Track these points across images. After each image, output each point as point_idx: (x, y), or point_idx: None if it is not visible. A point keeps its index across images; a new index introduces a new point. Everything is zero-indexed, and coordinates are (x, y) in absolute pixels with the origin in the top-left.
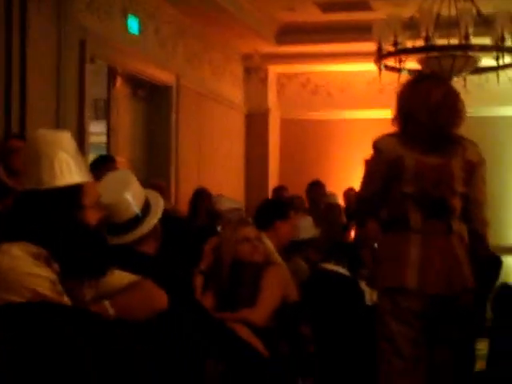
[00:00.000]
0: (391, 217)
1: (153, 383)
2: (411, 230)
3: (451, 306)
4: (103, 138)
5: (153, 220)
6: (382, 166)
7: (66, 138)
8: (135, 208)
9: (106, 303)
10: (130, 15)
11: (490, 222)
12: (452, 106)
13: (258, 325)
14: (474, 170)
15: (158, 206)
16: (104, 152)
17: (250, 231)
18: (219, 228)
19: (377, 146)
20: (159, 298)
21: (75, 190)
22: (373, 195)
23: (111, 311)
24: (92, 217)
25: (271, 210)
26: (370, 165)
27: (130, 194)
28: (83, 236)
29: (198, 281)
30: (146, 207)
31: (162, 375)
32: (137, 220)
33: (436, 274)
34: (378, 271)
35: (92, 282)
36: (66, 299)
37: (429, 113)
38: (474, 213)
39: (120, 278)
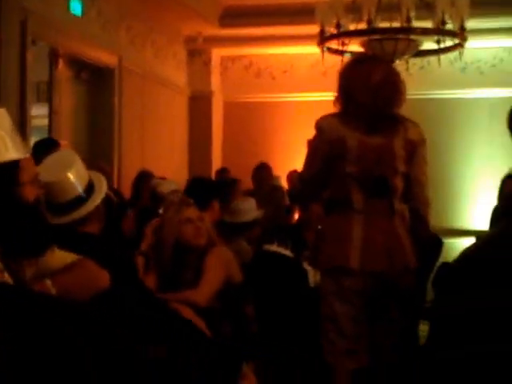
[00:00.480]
0: (334, 197)
1: (91, 364)
2: (354, 211)
3: (392, 285)
4: (45, 121)
5: (96, 201)
6: (324, 145)
7: (0, 115)
8: (78, 188)
9: (48, 282)
10: None
11: (432, 202)
12: (392, 86)
13: (201, 305)
14: (414, 150)
15: (102, 187)
16: (46, 135)
17: (192, 212)
18: (161, 210)
19: (319, 125)
20: (101, 278)
21: (12, 167)
22: (315, 175)
23: (53, 290)
24: (30, 193)
25: (206, 189)
26: (313, 145)
27: (74, 174)
28: (21, 213)
29: (140, 262)
30: (90, 188)
31: (101, 355)
32: (80, 200)
33: (378, 253)
34: (321, 251)
35: (32, 261)
36: (6, 276)
37: (369, 93)
38: (415, 193)
39: (61, 257)
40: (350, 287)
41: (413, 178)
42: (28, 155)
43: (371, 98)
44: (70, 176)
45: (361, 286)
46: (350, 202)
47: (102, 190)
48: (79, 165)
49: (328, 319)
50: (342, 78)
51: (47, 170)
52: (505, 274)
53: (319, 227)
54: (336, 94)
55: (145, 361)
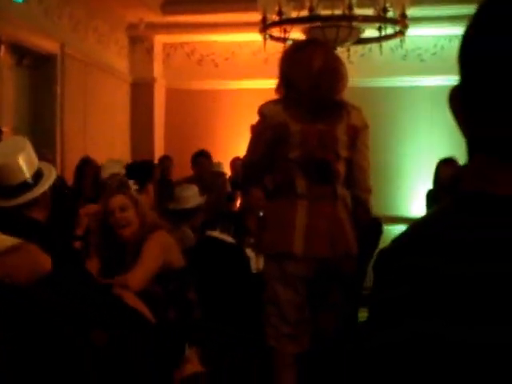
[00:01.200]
0: (277, 183)
1: (36, 347)
2: (297, 196)
3: (334, 271)
4: None
5: (43, 187)
6: (267, 131)
7: None
8: (26, 173)
9: None
10: None
11: (373, 189)
12: (333, 72)
13: (134, 289)
14: (357, 135)
15: (51, 175)
16: None
17: (115, 201)
18: None
19: (262, 111)
20: (43, 262)
21: None
22: (258, 161)
23: None
24: None
25: (141, 172)
26: (256, 130)
27: (23, 159)
28: None
29: (77, 245)
30: (38, 174)
31: (46, 340)
32: (27, 185)
33: (321, 238)
34: (266, 237)
35: None
36: None
37: (311, 80)
38: (357, 178)
39: (2, 240)
40: (293, 273)
41: (354, 164)
42: None
43: (313, 85)
44: (20, 160)
45: (304, 271)
46: (294, 187)
47: (50, 177)
48: (30, 151)
49: (271, 303)
50: (282, 65)
51: None
52: (448, 250)
53: (261, 213)
54: (278, 80)
55: (85, 346)
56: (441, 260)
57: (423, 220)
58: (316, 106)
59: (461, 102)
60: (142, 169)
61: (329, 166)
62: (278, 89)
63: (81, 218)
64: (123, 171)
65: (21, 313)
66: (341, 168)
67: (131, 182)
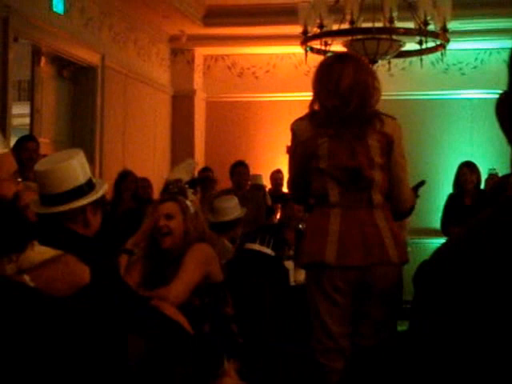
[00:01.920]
0: (313, 195)
1: (75, 358)
2: (331, 205)
3: (371, 281)
4: (27, 120)
5: (93, 197)
6: (298, 148)
7: None
8: (79, 179)
9: (26, 277)
10: None
11: (412, 199)
12: (364, 87)
13: (174, 302)
14: (390, 142)
15: (102, 187)
16: (27, 134)
17: (163, 208)
18: None
19: (292, 129)
20: (81, 273)
21: None
22: (295, 177)
23: (31, 285)
24: (7, 189)
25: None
26: (290, 149)
27: (76, 165)
28: None
29: (124, 259)
30: (90, 185)
31: (84, 350)
32: (78, 192)
33: (354, 246)
34: (302, 248)
35: (12, 257)
36: None
37: (339, 98)
38: (396, 190)
39: (41, 252)
40: (328, 282)
41: (393, 175)
42: (6, 150)
43: (342, 103)
44: (75, 164)
45: (339, 281)
46: (327, 197)
47: (101, 189)
48: (83, 159)
49: (313, 316)
50: (314, 82)
51: (51, 160)
52: (494, 262)
53: (300, 225)
54: (312, 97)
55: (123, 354)
56: (485, 273)
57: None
58: (345, 123)
59: (509, 108)
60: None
61: (361, 172)
62: (311, 105)
63: (137, 233)
64: (187, 178)
65: (56, 323)
66: (377, 175)
67: (190, 192)
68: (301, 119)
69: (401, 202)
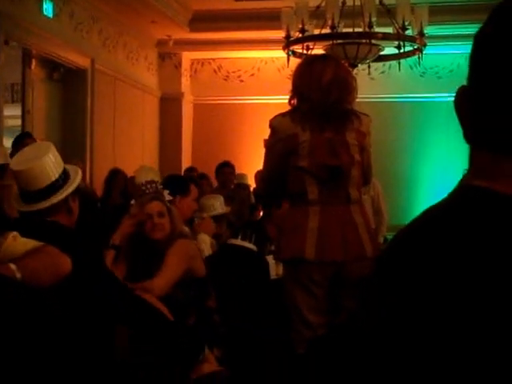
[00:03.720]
0: (291, 192)
1: (61, 346)
2: (309, 203)
3: (348, 275)
4: (19, 121)
5: (70, 188)
6: (277, 143)
7: None
8: (52, 175)
9: (13, 266)
10: None
11: (389, 198)
12: (343, 83)
13: (157, 294)
14: (364, 140)
15: (77, 177)
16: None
17: (153, 207)
18: (132, 201)
19: (272, 125)
20: (63, 263)
21: None
22: (272, 172)
23: (18, 274)
24: None
25: (172, 185)
26: (268, 144)
27: (47, 162)
28: None
29: (110, 254)
30: (65, 176)
31: (70, 339)
32: (53, 188)
33: (333, 242)
34: (281, 244)
35: None
36: None
37: (321, 92)
38: (366, 173)
39: (23, 243)
40: (309, 278)
41: (366, 165)
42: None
43: (323, 96)
44: (46, 162)
45: (319, 276)
46: (306, 194)
47: (76, 179)
48: (55, 153)
49: (291, 308)
50: (295, 78)
51: (24, 158)
52: (450, 248)
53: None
54: (290, 93)
55: (109, 344)
56: (442, 255)
57: (422, 216)
58: (326, 115)
59: (468, 100)
60: (176, 182)
61: (342, 170)
62: (290, 101)
63: (121, 226)
64: (158, 179)
65: (39, 316)
66: (355, 172)
67: (165, 192)
68: (282, 115)
69: (368, 180)
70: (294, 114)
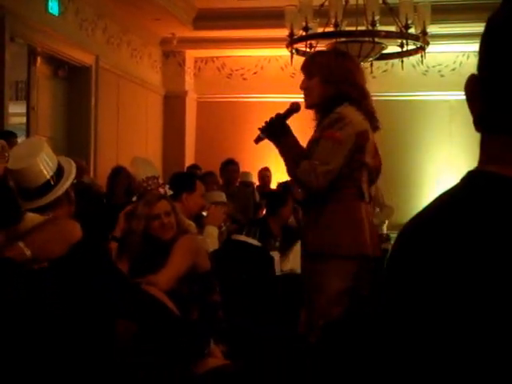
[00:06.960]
0: (343, 186)
1: (61, 344)
2: (362, 198)
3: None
4: (24, 119)
5: (65, 184)
6: (352, 138)
7: None
8: (47, 173)
9: (21, 244)
10: None
11: (393, 196)
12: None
13: (162, 288)
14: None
15: (71, 170)
16: (24, 132)
17: (161, 207)
18: (134, 198)
19: (347, 116)
20: (72, 229)
21: None
22: (337, 169)
23: (27, 251)
24: None
25: (178, 182)
26: (339, 138)
27: (42, 160)
28: None
29: (113, 246)
30: (59, 172)
31: (70, 335)
32: (49, 185)
33: (376, 238)
34: (339, 239)
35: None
36: None
37: (364, 89)
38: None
39: (31, 219)
40: (366, 272)
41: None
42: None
43: (368, 94)
44: (39, 162)
45: (360, 270)
46: (360, 190)
47: (71, 173)
48: (47, 150)
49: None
50: (338, 68)
51: (16, 156)
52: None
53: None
54: (322, 84)
55: (111, 336)
56: (451, 243)
57: (434, 202)
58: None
59: (481, 85)
60: (182, 179)
61: (380, 171)
62: (344, 94)
63: (119, 220)
64: (158, 173)
65: (39, 315)
66: None
67: (167, 188)
68: (354, 109)
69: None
70: (358, 108)
